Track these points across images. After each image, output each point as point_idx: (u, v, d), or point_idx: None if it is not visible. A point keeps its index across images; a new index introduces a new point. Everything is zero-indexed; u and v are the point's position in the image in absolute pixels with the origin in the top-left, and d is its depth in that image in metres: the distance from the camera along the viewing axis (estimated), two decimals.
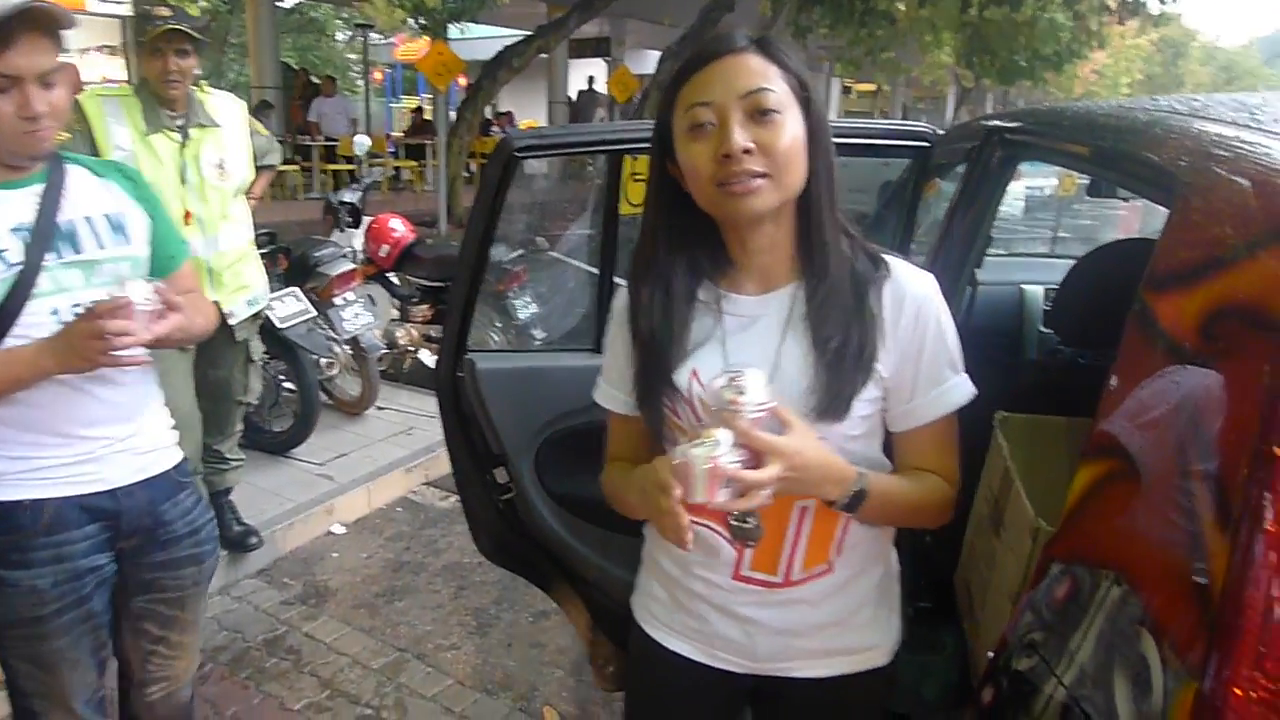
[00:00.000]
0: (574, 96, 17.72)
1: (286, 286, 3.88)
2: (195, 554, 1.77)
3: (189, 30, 2.68)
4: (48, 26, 1.43)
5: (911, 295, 1.13)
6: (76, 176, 1.61)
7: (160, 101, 2.75)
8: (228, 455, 3.25)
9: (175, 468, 1.75)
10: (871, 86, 22.40)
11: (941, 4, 10.63)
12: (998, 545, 1.60)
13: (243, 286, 3.03)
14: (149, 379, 1.71)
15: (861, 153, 1.94)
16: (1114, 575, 0.95)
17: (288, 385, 4.04)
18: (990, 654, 1.19)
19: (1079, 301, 1.79)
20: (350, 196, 5.24)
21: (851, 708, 1.29)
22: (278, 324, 3.67)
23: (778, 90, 1.06)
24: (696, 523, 1.14)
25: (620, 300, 1.24)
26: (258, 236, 3.95)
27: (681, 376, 1.15)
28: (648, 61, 10.39)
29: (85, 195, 1.60)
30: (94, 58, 13.95)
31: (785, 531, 1.17)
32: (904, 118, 20.13)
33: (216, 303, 2.91)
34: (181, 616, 1.80)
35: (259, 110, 12.50)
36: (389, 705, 2.58)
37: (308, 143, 11.70)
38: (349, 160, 10.29)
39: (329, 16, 23.40)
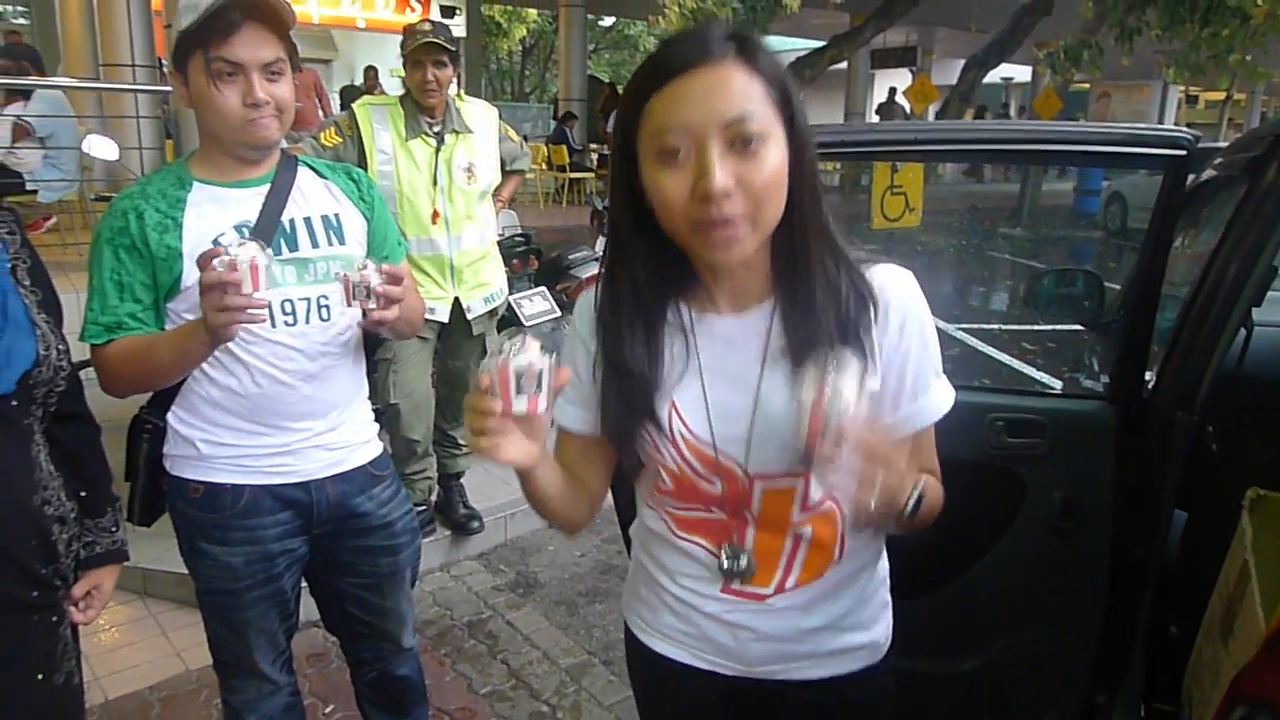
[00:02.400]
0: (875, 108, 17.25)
1: (536, 286, 4.06)
2: (390, 545, 1.84)
3: (444, 44, 2.87)
4: (270, 20, 1.54)
5: (895, 305, 1.06)
6: (303, 178, 1.71)
7: (420, 109, 2.97)
8: (460, 441, 3.43)
9: (371, 462, 1.81)
10: (1219, 94, 19.68)
11: None
12: (1224, 657, 1.28)
13: (481, 284, 3.19)
14: (352, 375, 1.77)
15: (1089, 163, 1.65)
16: None
17: None
18: None
19: None
20: None
21: (854, 705, 1.22)
22: (523, 320, 3.84)
23: (761, 114, 0.93)
24: (683, 538, 1.15)
25: (582, 310, 1.14)
26: (513, 238, 4.19)
27: (662, 412, 1.06)
28: (956, 72, 9.81)
29: (308, 196, 1.70)
30: None
31: (781, 552, 1.12)
32: None
33: (457, 298, 3.10)
34: (381, 603, 1.87)
35: (564, 120, 13.36)
36: (566, 706, 2.59)
37: (605, 152, 12.27)
38: None
39: (641, 33, 24.55)
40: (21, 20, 14.00)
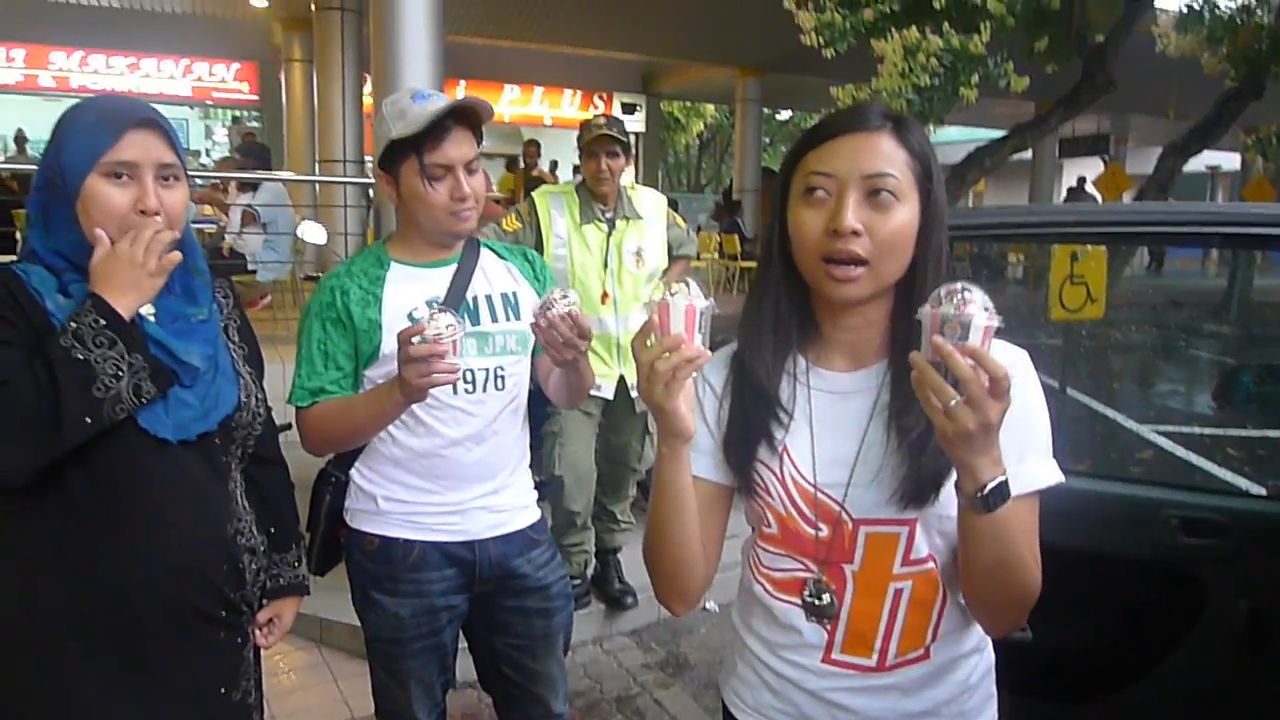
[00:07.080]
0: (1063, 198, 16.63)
1: None
2: (544, 608, 1.92)
3: (617, 136, 3.07)
4: (472, 120, 1.73)
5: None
6: (485, 259, 1.88)
7: (594, 196, 3.16)
8: (619, 516, 3.51)
9: (531, 526, 1.91)
10: None
11: None
12: None
13: None
14: (519, 442, 1.89)
15: (1254, 246, 1.55)
16: None
17: None
18: None
19: None
20: None
21: None
22: None
23: (900, 178, 1.05)
24: (778, 599, 1.16)
25: (718, 359, 1.19)
26: None
27: (775, 453, 1.13)
28: (1153, 160, 9.32)
29: (490, 276, 1.86)
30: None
31: (880, 613, 1.12)
32: None
33: (622, 376, 3.22)
34: (533, 666, 1.94)
35: (728, 206, 13.69)
36: None
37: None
38: None
39: None
40: (254, 124, 15.90)
